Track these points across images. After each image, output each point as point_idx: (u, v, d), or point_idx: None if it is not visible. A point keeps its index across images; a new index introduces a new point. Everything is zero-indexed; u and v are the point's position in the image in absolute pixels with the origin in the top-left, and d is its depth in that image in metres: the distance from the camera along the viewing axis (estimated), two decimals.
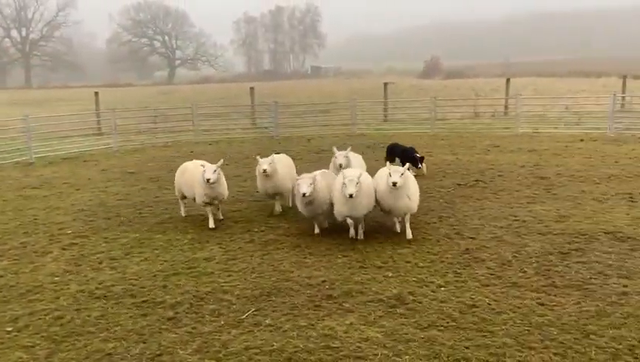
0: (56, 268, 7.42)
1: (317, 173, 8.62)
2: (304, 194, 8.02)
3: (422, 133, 20.90)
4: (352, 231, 8.42)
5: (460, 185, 11.89)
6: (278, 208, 10.04)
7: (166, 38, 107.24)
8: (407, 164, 8.65)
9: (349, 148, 10.14)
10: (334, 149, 10.10)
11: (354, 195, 7.65)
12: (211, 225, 9.27)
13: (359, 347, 5.11)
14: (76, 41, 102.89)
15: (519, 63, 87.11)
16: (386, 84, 26.32)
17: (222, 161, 9.52)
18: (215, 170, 9.04)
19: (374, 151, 16.47)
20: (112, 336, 5.45)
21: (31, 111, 20.44)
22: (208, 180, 8.92)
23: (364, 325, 5.53)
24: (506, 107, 26.08)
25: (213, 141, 20.81)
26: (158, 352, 5.13)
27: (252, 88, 26.22)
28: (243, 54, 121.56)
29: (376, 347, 5.10)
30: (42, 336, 5.50)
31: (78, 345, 5.30)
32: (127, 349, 5.20)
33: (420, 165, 12.90)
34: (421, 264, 7.18)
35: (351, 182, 7.69)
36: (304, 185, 8.07)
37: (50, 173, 15.00)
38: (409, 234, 8.22)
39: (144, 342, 5.32)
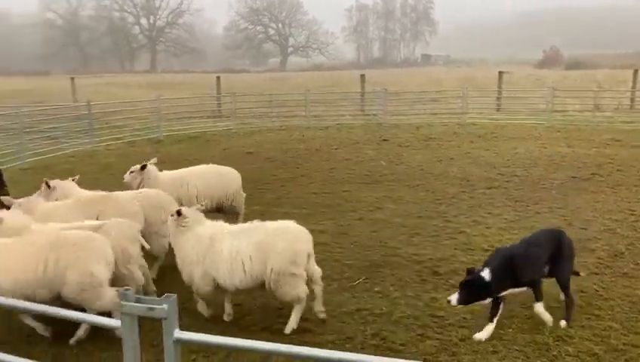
0: None
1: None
2: None
3: (537, 124, 20.24)
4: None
5: (574, 177, 11.60)
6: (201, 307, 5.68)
7: (280, 25, 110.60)
8: None
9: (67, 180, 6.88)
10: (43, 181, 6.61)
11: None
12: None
13: (464, 318, 5.44)
14: (197, 28, 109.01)
15: None
16: (501, 73, 25.66)
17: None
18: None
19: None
20: None
21: (157, 93, 22.22)
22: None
23: None
24: (632, 100, 24.48)
25: (323, 127, 21.51)
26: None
27: (362, 75, 26.69)
28: (353, 42, 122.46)
29: (481, 319, 5.39)
30: None
31: None
32: None
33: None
34: None
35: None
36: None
37: (178, 150, 16.42)
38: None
39: None
